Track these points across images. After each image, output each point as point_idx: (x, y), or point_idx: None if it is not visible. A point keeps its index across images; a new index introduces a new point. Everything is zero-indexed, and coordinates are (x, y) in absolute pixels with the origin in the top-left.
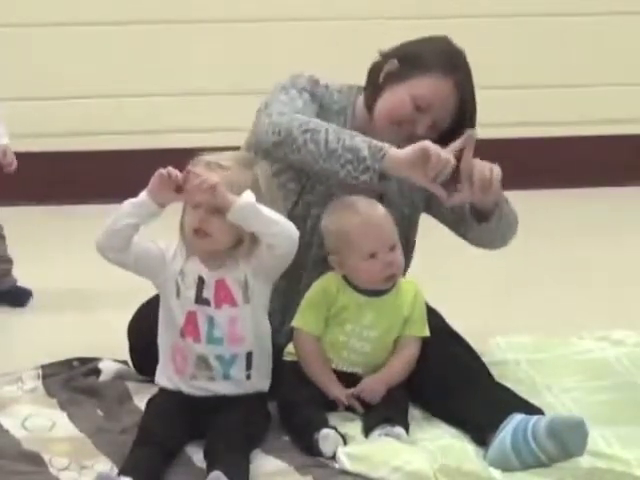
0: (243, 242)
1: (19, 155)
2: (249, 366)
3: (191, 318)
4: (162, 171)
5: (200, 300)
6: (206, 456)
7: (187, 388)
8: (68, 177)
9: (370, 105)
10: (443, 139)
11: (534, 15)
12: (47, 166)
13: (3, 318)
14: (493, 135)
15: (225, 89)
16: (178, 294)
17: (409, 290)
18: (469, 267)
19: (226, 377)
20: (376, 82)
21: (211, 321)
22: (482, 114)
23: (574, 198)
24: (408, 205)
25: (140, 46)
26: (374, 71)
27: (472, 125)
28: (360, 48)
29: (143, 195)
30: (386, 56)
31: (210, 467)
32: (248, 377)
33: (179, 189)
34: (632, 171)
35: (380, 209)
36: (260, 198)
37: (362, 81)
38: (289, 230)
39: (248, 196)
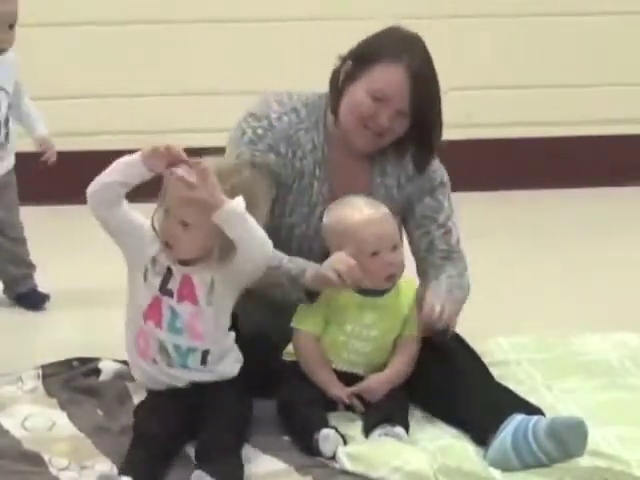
0: (212, 253)
1: (19, 155)
2: (204, 361)
3: (156, 303)
4: (161, 145)
5: (164, 290)
6: (197, 459)
7: (153, 375)
8: (68, 177)
9: (335, 110)
10: (414, 129)
11: (534, 15)
12: (47, 166)
13: (3, 318)
14: (493, 135)
15: (225, 89)
16: (145, 278)
17: (409, 290)
18: (469, 267)
19: (183, 366)
20: (336, 87)
21: (173, 311)
22: (482, 114)
23: (574, 198)
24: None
25: (140, 46)
26: (334, 77)
27: (438, 109)
28: None
29: (136, 156)
30: (343, 59)
31: (200, 468)
32: (204, 366)
33: (170, 165)
34: (632, 171)
35: (382, 208)
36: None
37: None
38: (266, 245)
39: (239, 202)
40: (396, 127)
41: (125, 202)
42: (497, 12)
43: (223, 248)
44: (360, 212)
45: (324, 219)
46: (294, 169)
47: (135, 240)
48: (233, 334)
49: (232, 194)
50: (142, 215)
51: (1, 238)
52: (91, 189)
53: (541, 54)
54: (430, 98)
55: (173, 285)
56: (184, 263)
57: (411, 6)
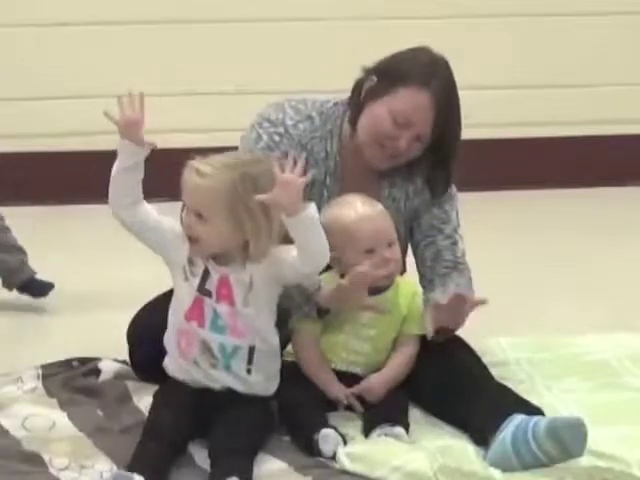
0: (245, 251)
1: (19, 155)
2: (250, 361)
3: (198, 302)
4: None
5: (202, 290)
6: (210, 457)
7: (191, 374)
8: (68, 177)
9: (353, 123)
10: (431, 150)
11: (534, 15)
12: (47, 166)
13: (3, 318)
14: (493, 135)
15: (226, 89)
16: (186, 278)
17: (407, 289)
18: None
19: (227, 367)
20: (358, 100)
21: (215, 311)
22: (482, 114)
23: (574, 198)
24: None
25: (140, 46)
26: (356, 88)
27: (458, 137)
28: (360, 48)
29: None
30: (367, 72)
31: (218, 468)
32: (249, 372)
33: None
34: (632, 171)
35: (378, 206)
36: (237, 200)
37: None
38: (327, 252)
39: (313, 207)
40: (413, 150)
41: (146, 203)
42: (497, 12)
43: (256, 246)
44: (355, 210)
45: (321, 219)
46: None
47: (163, 240)
48: (278, 340)
49: (243, 182)
50: (172, 219)
51: None
52: (110, 196)
53: (541, 54)
54: (453, 126)
55: (211, 285)
56: (221, 263)
57: (411, 6)
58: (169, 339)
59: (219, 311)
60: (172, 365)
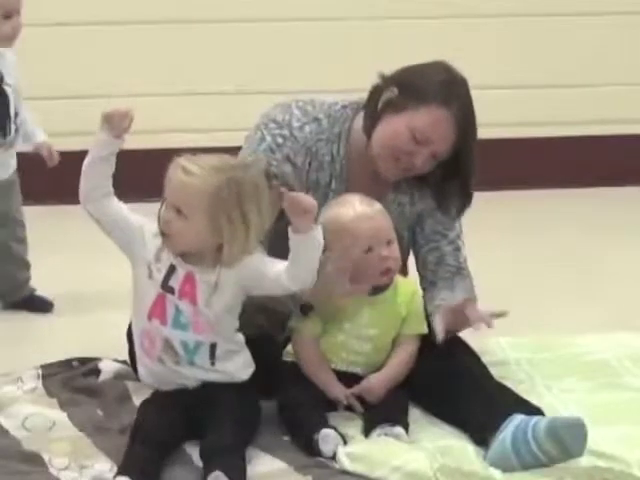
0: (220, 253)
1: (19, 155)
2: (213, 355)
3: (160, 300)
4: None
5: (165, 287)
6: (202, 456)
7: (159, 375)
8: (69, 177)
9: (368, 131)
10: (443, 167)
11: (534, 15)
12: (47, 166)
13: (3, 318)
14: (493, 135)
15: (226, 89)
16: (150, 275)
17: (407, 289)
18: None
19: (191, 363)
20: (375, 108)
21: (177, 308)
22: (482, 114)
23: (574, 198)
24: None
25: (140, 46)
26: (373, 96)
27: (473, 153)
28: (360, 49)
29: (98, 130)
30: (386, 81)
31: (207, 467)
32: (212, 364)
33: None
34: (632, 171)
35: (376, 205)
36: (219, 204)
37: (360, 81)
38: (314, 277)
39: (320, 232)
40: (426, 166)
41: (115, 198)
42: (497, 12)
43: (230, 252)
44: (353, 209)
45: (320, 218)
46: (309, 180)
47: (131, 236)
48: (242, 336)
49: (228, 187)
50: (141, 216)
51: (10, 240)
52: (80, 186)
53: (541, 54)
54: (470, 146)
55: (175, 282)
56: (190, 261)
57: (411, 6)
58: (136, 341)
59: (181, 308)
60: (141, 369)
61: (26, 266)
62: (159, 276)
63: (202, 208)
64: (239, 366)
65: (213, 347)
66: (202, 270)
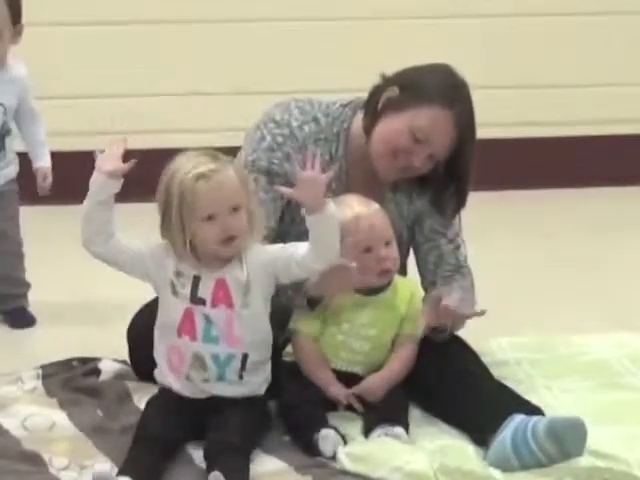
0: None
1: (18, 154)
2: (243, 367)
3: (188, 315)
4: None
5: (195, 299)
6: (206, 457)
7: (182, 389)
8: (68, 177)
9: (368, 130)
10: (441, 168)
11: (534, 15)
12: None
13: (3, 319)
14: (493, 135)
15: (226, 89)
16: (174, 292)
17: (406, 288)
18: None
19: (220, 378)
20: (375, 107)
21: (208, 319)
22: (482, 114)
23: (574, 198)
24: (404, 227)
25: (140, 46)
26: (374, 95)
27: (472, 157)
28: (360, 49)
29: (96, 171)
30: (387, 81)
31: (209, 468)
32: (240, 377)
33: (124, 158)
34: (632, 171)
35: (374, 205)
36: (245, 187)
37: (360, 81)
38: (337, 251)
39: (332, 206)
40: (424, 167)
41: (118, 236)
42: (497, 12)
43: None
44: (351, 209)
45: None
46: None
47: (144, 265)
48: (270, 346)
49: (237, 171)
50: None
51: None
52: (82, 232)
53: (542, 54)
54: (469, 150)
55: (204, 292)
56: (214, 266)
57: (411, 6)
58: (159, 357)
59: (213, 319)
60: (160, 377)
61: (16, 282)
62: (184, 291)
63: (242, 194)
64: (262, 380)
65: (245, 358)
66: (229, 271)
